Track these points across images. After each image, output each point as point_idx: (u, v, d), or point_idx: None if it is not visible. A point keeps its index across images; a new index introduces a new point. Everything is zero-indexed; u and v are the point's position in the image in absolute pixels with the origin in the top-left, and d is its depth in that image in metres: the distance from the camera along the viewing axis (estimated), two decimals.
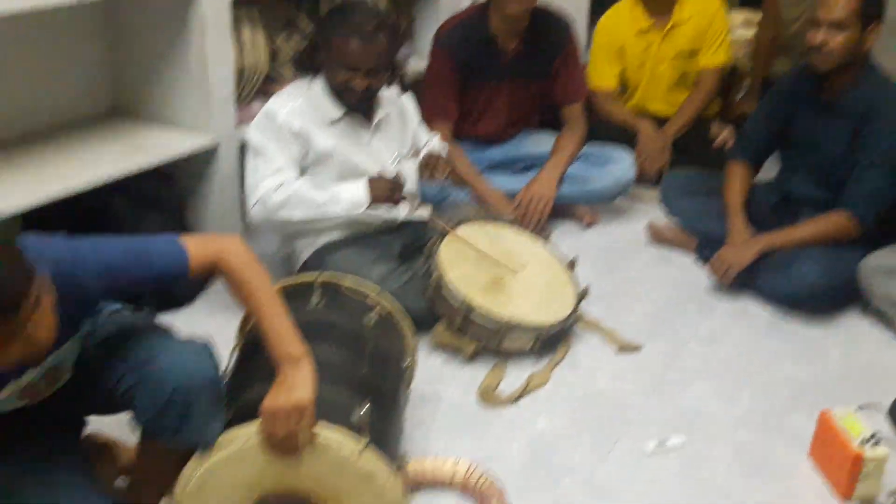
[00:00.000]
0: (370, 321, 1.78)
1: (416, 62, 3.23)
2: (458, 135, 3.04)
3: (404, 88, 2.67)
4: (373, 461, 1.49)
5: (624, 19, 3.39)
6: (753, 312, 2.57)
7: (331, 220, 2.33)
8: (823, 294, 2.49)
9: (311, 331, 1.72)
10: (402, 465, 1.63)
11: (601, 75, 3.41)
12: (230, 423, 1.51)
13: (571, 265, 2.48)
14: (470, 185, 2.94)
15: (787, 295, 2.52)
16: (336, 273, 1.99)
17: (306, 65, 2.38)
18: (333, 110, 2.37)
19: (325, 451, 1.47)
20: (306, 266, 2.43)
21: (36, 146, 2.35)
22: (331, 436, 1.47)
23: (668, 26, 3.34)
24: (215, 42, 2.40)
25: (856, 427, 1.85)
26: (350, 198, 2.30)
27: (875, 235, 2.53)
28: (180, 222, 2.52)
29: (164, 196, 2.46)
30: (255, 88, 2.70)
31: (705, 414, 2.13)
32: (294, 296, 1.84)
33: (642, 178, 3.20)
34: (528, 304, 2.31)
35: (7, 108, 2.36)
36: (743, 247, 2.58)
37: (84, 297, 1.46)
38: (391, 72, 2.45)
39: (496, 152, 3.13)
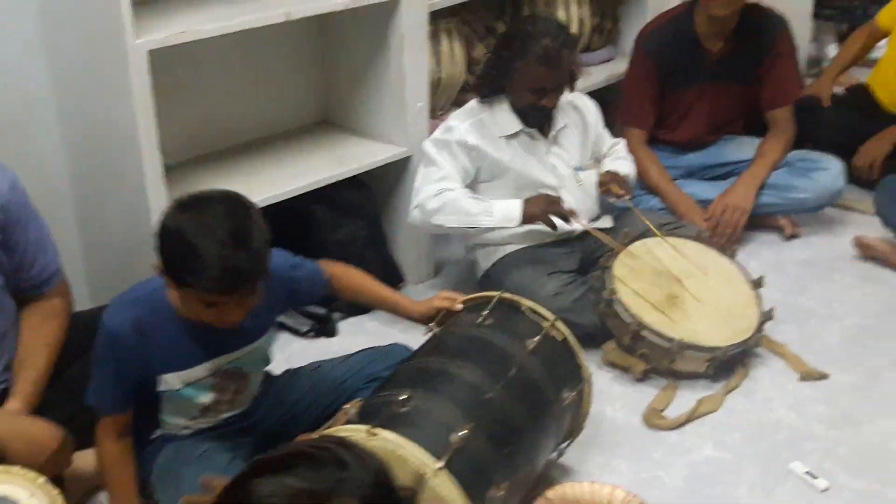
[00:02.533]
0: (532, 345, 1.83)
1: (620, 64, 3.20)
2: (656, 139, 3.00)
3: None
4: (446, 485, 1.46)
5: None
6: None
7: (482, 231, 2.40)
8: None
9: (462, 345, 1.83)
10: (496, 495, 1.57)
11: None
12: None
13: (758, 283, 2.39)
14: (661, 193, 2.89)
15: None
16: (517, 295, 2.06)
17: (487, 91, 2.45)
18: (512, 125, 2.43)
19: (402, 463, 1.47)
20: (486, 276, 2.53)
21: (254, 154, 2.59)
22: (410, 449, 1.48)
23: None
24: (413, 55, 2.52)
25: None
26: (503, 212, 2.36)
27: None
28: (377, 229, 2.69)
29: (361, 203, 2.64)
30: (451, 99, 2.81)
31: (892, 455, 2.00)
32: (471, 309, 1.93)
33: (856, 174, 3.02)
34: (704, 324, 2.26)
35: (231, 119, 2.62)
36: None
37: (283, 298, 1.80)
38: (573, 80, 2.47)
39: (695, 158, 3.04)
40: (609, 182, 2.48)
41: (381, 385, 1.74)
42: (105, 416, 1.69)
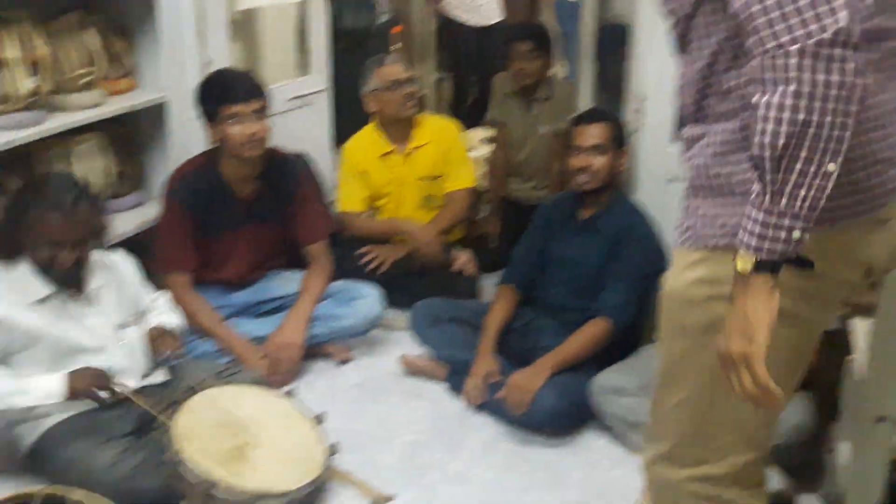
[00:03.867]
0: None
1: (148, 210, 3.14)
2: (200, 281, 2.97)
3: (121, 245, 2.58)
4: None
5: (366, 145, 3.51)
6: (500, 444, 2.63)
7: (20, 412, 2.18)
8: (562, 417, 2.61)
9: None
10: None
11: (350, 199, 3.49)
12: None
13: (319, 419, 2.45)
14: (214, 336, 2.86)
15: (530, 421, 2.62)
16: (63, 486, 1.83)
17: (4, 251, 2.24)
18: (40, 289, 2.24)
19: None
20: (34, 453, 2.26)
21: None
22: None
23: (408, 150, 3.47)
24: None
25: None
26: (43, 390, 2.18)
27: (604, 356, 2.69)
28: None
29: None
30: None
31: None
32: None
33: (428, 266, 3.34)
34: (274, 470, 2.24)
35: None
36: (533, 372, 2.63)
37: None
38: (97, 237, 2.35)
39: (242, 296, 3.07)
40: (157, 337, 2.39)
41: None
42: None
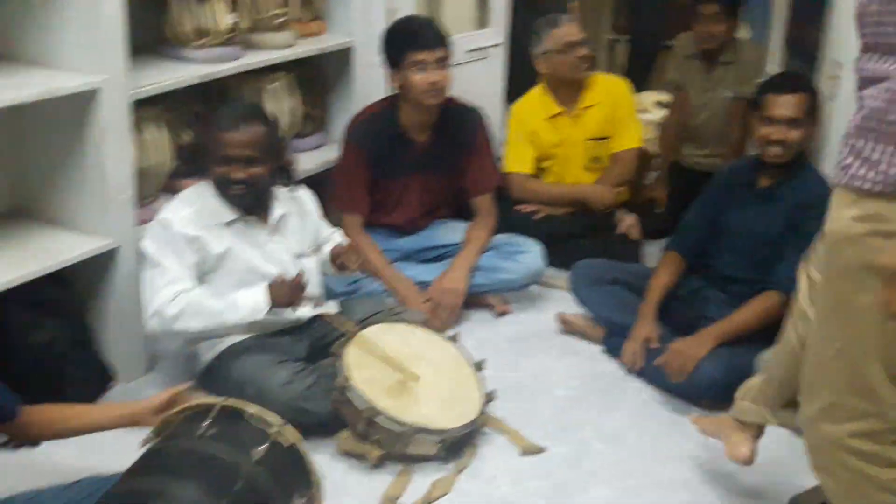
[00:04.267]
0: (258, 454, 1.74)
1: (329, 151, 3.26)
2: (371, 224, 3.07)
3: (303, 182, 2.69)
4: None
5: (535, 106, 3.48)
6: (655, 410, 2.61)
7: (231, 329, 2.32)
8: (722, 389, 2.54)
9: (182, 461, 1.70)
10: None
11: (517, 160, 3.49)
12: None
13: (479, 366, 2.50)
14: (381, 276, 2.95)
15: (688, 390, 2.58)
16: (245, 387, 1.94)
17: (189, 161, 2.38)
18: (227, 212, 2.37)
19: None
20: (209, 369, 2.41)
21: None
22: None
23: (577, 112, 3.43)
24: (114, 145, 2.38)
25: None
26: (249, 304, 2.29)
27: (771, 331, 2.59)
28: (80, 327, 2.47)
29: (61, 301, 2.41)
30: (159, 187, 2.69)
31: None
32: (191, 418, 1.81)
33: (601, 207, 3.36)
34: (434, 408, 2.31)
35: None
36: (697, 341, 2.59)
37: None
38: (280, 168, 2.45)
39: (409, 242, 3.15)
40: (342, 253, 2.49)
41: None
42: None
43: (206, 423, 1.77)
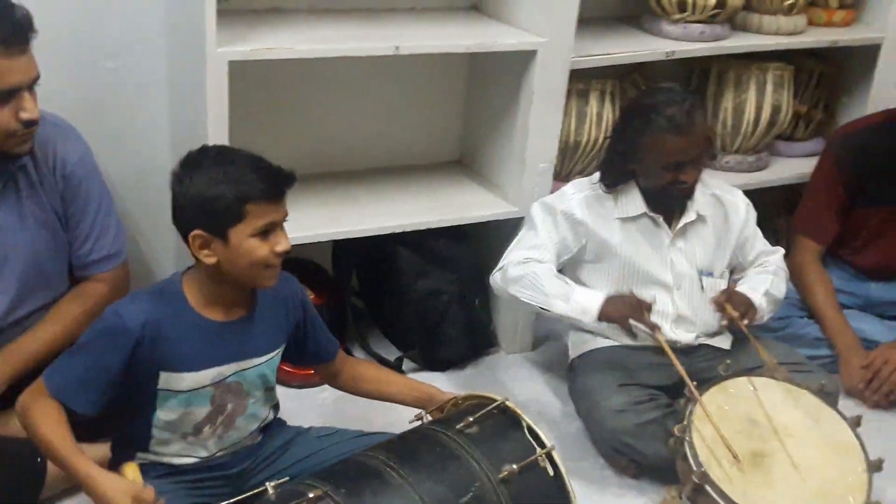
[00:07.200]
0: (506, 472, 1.55)
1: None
2: (836, 257, 2.55)
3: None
4: None
5: None
6: None
7: (554, 315, 2.11)
8: None
9: (424, 449, 1.59)
10: None
11: None
12: None
13: (876, 465, 1.91)
14: (822, 320, 2.44)
15: None
16: (583, 399, 1.92)
17: (612, 180, 2.14)
18: (635, 207, 2.14)
19: None
20: (571, 367, 2.27)
21: (366, 182, 2.48)
22: None
23: None
24: (542, 112, 2.31)
25: None
26: (581, 304, 2.06)
27: None
28: (471, 286, 2.48)
29: (456, 256, 2.46)
30: (588, 164, 2.55)
31: None
32: (466, 409, 1.71)
33: None
34: (787, 496, 1.84)
35: (365, 141, 2.54)
36: None
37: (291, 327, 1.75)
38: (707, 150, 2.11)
39: (878, 290, 2.54)
40: (724, 302, 2.11)
41: (318, 472, 1.56)
42: (50, 395, 1.53)
43: (472, 419, 1.64)
